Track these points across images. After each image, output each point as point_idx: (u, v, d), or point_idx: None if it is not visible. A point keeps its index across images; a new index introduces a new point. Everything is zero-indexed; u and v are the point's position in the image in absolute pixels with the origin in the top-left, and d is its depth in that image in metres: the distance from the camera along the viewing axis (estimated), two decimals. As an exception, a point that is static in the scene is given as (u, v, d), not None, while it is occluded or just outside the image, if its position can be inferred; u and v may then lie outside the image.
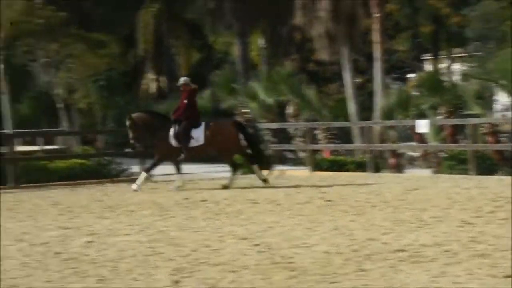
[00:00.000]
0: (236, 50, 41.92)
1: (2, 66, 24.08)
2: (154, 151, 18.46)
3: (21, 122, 32.38)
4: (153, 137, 18.25)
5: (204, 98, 38.01)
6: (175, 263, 9.69)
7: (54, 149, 29.73)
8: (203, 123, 18.31)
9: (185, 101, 18.17)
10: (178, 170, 18.63)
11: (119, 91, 33.28)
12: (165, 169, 21.92)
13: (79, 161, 22.00)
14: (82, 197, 17.49)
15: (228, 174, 19.10)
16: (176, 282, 8.70)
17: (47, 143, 31.34)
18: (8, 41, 25.71)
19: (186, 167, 21.49)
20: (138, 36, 42.16)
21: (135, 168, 22.15)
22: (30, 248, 11.15)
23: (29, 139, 32.30)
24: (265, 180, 18.66)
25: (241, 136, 18.53)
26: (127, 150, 25.62)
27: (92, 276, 9.29)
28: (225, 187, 18.40)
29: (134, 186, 18.08)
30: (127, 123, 18.24)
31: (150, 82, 42.64)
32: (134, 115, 18.29)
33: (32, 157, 23.44)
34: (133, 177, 21.55)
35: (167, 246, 10.90)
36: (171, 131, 18.11)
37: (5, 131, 23.71)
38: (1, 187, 19.40)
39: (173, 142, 18.16)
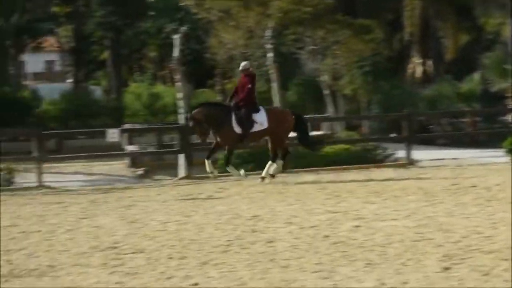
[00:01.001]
0: (508, 31, 40.21)
1: (272, 54, 24.76)
2: (220, 140, 17.94)
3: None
4: (216, 128, 17.81)
5: (473, 81, 36.89)
6: (444, 249, 9.44)
7: (320, 135, 30.23)
8: (262, 108, 18.08)
9: (249, 86, 17.79)
10: (229, 162, 18.06)
11: (384, 76, 33.17)
12: (431, 154, 21.55)
13: (345, 146, 22.16)
14: (348, 182, 17.60)
15: (498, 159, 18.35)
16: (446, 268, 8.47)
17: (313, 129, 31.93)
18: (278, 30, 26.42)
19: (454, 152, 21.01)
20: (404, 20, 41.75)
21: (400, 153, 21.94)
22: (299, 231, 11.38)
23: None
24: (272, 176, 18.04)
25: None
26: (392, 135, 25.43)
27: (361, 260, 9.29)
28: (272, 176, 17.98)
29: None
30: (190, 123, 17.92)
31: (416, 66, 42.12)
32: (193, 113, 17.84)
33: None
34: (398, 162, 21.38)
35: (435, 232, 10.66)
36: (233, 118, 17.78)
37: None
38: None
39: (236, 128, 17.82)
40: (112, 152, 21.65)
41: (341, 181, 17.75)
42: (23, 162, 20.53)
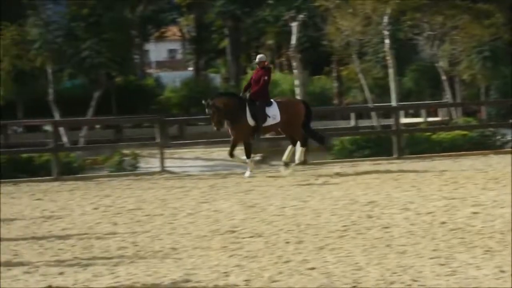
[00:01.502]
0: None
1: (389, 41, 24.58)
2: (234, 133, 17.37)
3: (405, 94, 33.01)
4: (232, 120, 17.26)
5: None
6: None
7: (437, 121, 29.86)
8: (273, 101, 17.57)
9: (265, 78, 17.31)
10: (249, 154, 17.64)
11: (504, 61, 32.38)
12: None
13: (462, 132, 21.89)
14: (466, 168, 17.38)
15: None
16: None
17: (430, 115, 31.56)
18: (395, 17, 26.18)
19: None
20: (525, 3, 40.58)
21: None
22: (416, 217, 11.38)
23: (413, 111, 32.79)
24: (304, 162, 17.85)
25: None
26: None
27: (479, 247, 9.25)
28: (303, 162, 17.72)
29: (247, 174, 17.34)
30: (209, 110, 17.05)
31: (538, 50, 40.89)
32: (214, 100, 17.09)
33: (416, 129, 23.78)
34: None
35: (557, 219, 10.49)
36: (248, 111, 17.25)
37: (391, 104, 24.25)
38: (386, 157, 19.94)
39: (250, 122, 17.32)
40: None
41: (458, 168, 17.55)
42: (147, 148, 21.18)
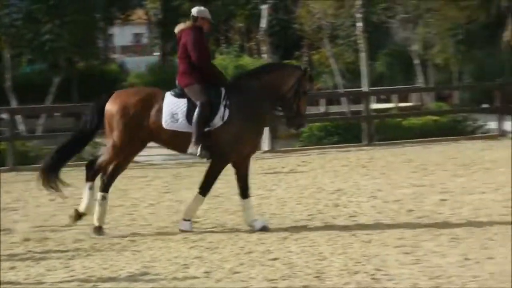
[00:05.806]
0: None
1: (361, 24, 24.21)
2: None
3: (377, 79, 32.80)
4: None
5: None
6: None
7: (408, 106, 29.67)
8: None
9: None
10: None
11: (478, 44, 32.24)
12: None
13: (433, 118, 21.70)
14: (436, 155, 17.16)
15: None
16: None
17: (402, 100, 31.33)
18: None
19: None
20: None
21: (492, 125, 21.34)
22: (383, 205, 11.17)
23: (384, 96, 32.55)
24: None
25: None
26: (484, 106, 24.72)
27: (445, 234, 9.10)
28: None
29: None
30: None
31: (513, 33, 40.70)
32: None
33: (386, 115, 23.53)
34: (489, 134, 20.83)
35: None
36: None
37: (361, 89, 23.98)
38: (355, 144, 19.64)
39: None
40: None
41: (428, 154, 17.35)
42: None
